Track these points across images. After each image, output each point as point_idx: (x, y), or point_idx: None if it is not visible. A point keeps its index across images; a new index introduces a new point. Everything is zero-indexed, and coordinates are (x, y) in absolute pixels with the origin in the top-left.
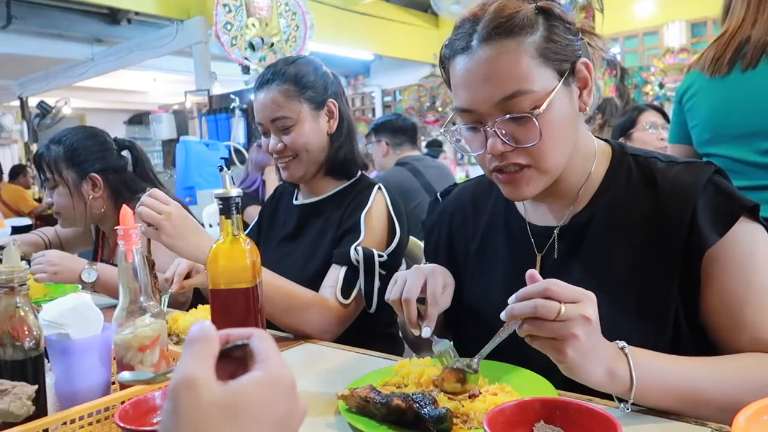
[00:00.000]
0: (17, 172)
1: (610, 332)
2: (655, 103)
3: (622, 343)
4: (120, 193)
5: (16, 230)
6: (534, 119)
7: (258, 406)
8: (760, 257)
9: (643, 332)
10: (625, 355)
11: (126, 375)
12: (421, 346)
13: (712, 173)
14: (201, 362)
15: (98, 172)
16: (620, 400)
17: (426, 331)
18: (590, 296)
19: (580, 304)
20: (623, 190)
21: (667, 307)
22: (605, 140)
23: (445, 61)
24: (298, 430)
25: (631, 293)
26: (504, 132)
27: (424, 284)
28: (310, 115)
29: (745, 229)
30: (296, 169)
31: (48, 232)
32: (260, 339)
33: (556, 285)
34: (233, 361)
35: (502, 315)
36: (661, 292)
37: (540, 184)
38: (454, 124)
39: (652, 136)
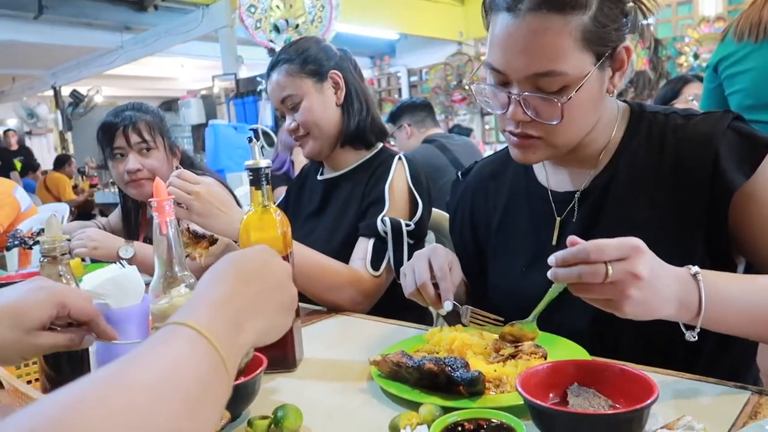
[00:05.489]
0: (63, 161)
1: None
2: (689, 74)
3: (695, 269)
4: (185, 165)
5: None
6: (559, 103)
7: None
8: None
9: None
10: (697, 282)
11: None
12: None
13: (731, 120)
14: None
15: (175, 143)
16: (687, 327)
17: (447, 305)
18: (636, 247)
19: (628, 261)
20: (643, 149)
21: (694, 260)
22: (625, 101)
23: (488, 9)
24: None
25: (656, 251)
26: (527, 103)
27: (429, 265)
28: (314, 89)
29: None
30: (312, 146)
31: (101, 221)
32: None
33: (597, 248)
34: None
35: (549, 274)
36: (686, 246)
37: (545, 156)
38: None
39: (694, 108)
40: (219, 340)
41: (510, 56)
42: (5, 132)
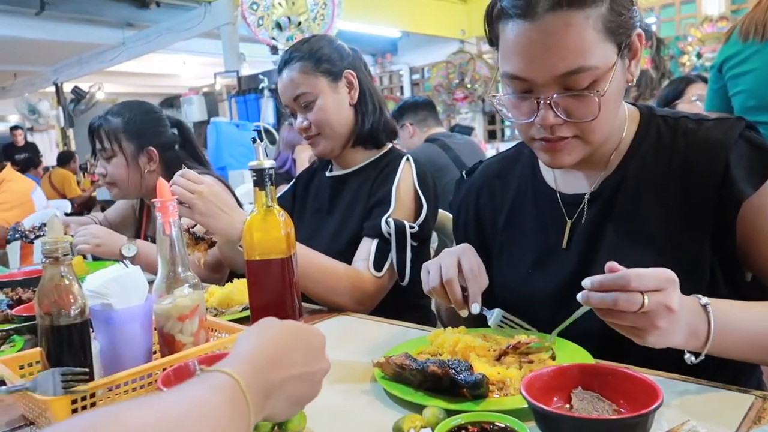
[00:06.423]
0: (67, 158)
1: None
2: (692, 74)
3: (705, 300)
4: (173, 168)
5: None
6: (596, 98)
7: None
8: None
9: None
10: (707, 313)
11: None
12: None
13: (743, 128)
14: None
15: (155, 146)
16: (691, 352)
17: (475, 308)
18: (672, 280)
19: (664, 293)
20: (652, 152)
21: (702, 263)
22: (632, 104)
23: (495, 18)
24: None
25: (665, 253)
26: (557, 105)
27: (458, 264)
28: (329, 88)
29: None
30: (324, 145)
31: (98, 216)
32: None
33: (638, 277)
34: None
35: (579, 297)
36: (694, 249)
37: (581, 154)
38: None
39: (697, 108)
40: (253, 402)
41: (533, 61)
42: (12, 129)
